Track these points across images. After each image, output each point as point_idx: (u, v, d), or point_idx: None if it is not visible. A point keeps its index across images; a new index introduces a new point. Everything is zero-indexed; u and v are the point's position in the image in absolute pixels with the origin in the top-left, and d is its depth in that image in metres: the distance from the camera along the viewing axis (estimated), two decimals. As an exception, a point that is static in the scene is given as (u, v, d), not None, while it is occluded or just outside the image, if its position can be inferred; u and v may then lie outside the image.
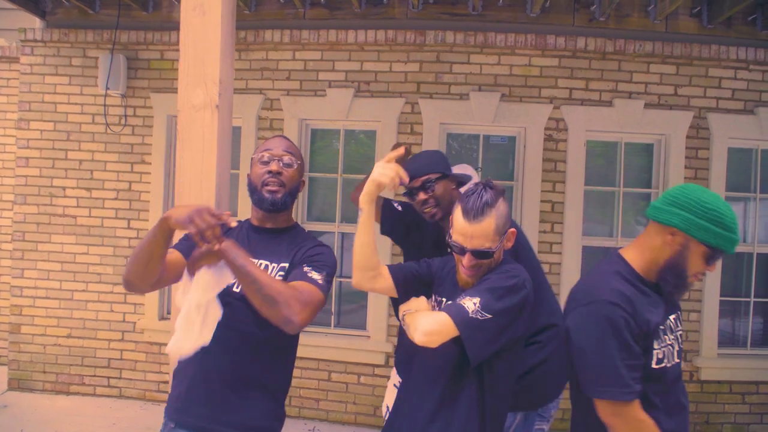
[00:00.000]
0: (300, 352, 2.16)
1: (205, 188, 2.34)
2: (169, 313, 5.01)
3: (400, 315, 2.05)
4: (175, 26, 4.82)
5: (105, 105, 4.84)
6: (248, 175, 2.06)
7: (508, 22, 4.55)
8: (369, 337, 4.70)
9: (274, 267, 1.96)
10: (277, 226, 2.06)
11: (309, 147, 4.84)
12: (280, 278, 1.90)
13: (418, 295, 2.10)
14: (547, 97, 4.57)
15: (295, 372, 2.15)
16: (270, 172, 1.96)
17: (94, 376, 5.00)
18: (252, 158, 2.06)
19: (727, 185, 4.58)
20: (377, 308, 4.64)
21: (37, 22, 5.02)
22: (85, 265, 4.98)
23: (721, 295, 4.58)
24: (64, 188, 4.99)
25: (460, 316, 1.81)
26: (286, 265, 1.95)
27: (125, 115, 4.93)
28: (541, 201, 4.55)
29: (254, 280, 1.68)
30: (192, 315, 1.73)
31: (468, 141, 4.78)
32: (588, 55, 4.54)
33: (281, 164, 1.98)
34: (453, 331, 1.81)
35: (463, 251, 1.91)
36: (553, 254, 4.56)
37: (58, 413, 4.66)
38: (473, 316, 1.81)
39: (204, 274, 1.74)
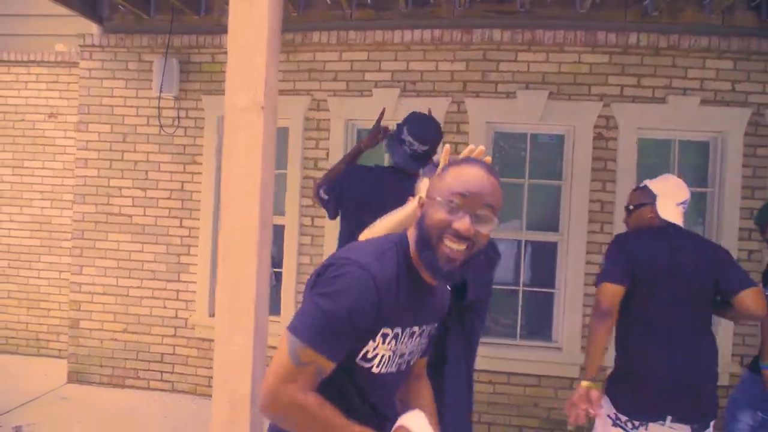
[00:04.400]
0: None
1: (250, 191, 2.38)
2: (219, 310, 5.13)
3: None
4: (226, 29, 4.97)
5: (159, 108, 4.99)
6: (421, 202, 1.51)
7: (557, 19, 4.49)
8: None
9: (431, 328, 1.69)
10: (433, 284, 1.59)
11: (355, 147, 4.88)
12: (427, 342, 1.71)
13: None
14: (597, 94, 4.48)
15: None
16: (456, 232, 1.39)
17: (148, 370, 5.16)
18: (434, 197, 1.44)
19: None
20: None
21: (95, 28, 5.22)
22: (140, 263, 5.15)
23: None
24: (120, 188, 5.17)
25: None
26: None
27: (178, 117, 5.07)
28: (590, 201, 4.46)
29: None
30: None
31: (515, 140, 4.73)
32: (640, 51, 4.43)
33: (475, 219, 1.39)
34: None
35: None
36: (603, 255, 4.46)
37: (113, 405, 4.83)
38: None
39: None
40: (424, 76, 4.67)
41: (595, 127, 4.48)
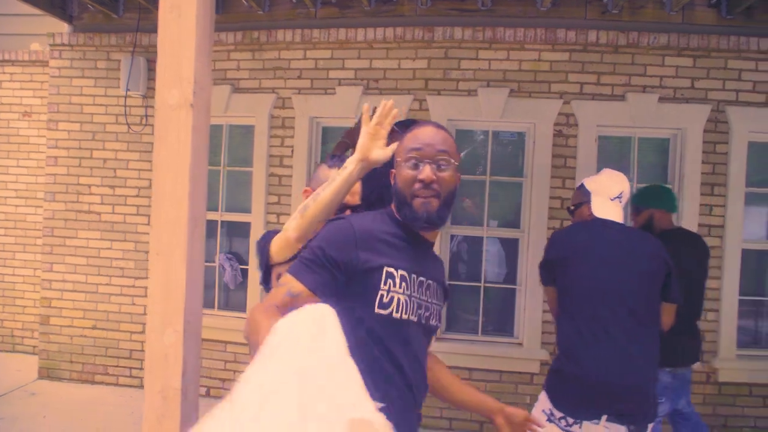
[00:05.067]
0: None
1: (179, 186, 2.41)
2: (187, 306, 5.17)
3: None
4: (193, 28, 5.01)
5: (125, 106, 5.03)
6: (393, 174, 1.69)
7: (518, 17, 4.51)
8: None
9: (439, 289, 1.75)
10: (427, 239, 1.73)
11: (320, 145, 4.91)
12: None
13: None
14: (557, 92, 4.51)
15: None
16: (421, 181, 1.58)
17: (117, 366, 5.20)
18: (396, 160, 1.66)
19: (747, 181, 4.43)
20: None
21: (65, 27, 5.26)
22: (109, 260, 5.19)
23: (741, 294, 4.43)
24: (89, 186, 5.21)
25: None
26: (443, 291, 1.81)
27: (146, 115, 5.11)
28: (551, 197, 4.49)
29: None
30: None
31: (477, 137, 4.76)
32: (600, 48, 4.46)
33: (435, 167, 1.58)
34: None
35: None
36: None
37: (81, 402, 4.87)
38: None
39: None
40: (386, 74, 4.70)
41: (555, 124, 4.50)
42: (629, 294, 2.58)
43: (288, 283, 1.48)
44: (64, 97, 5.24)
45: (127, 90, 4.95)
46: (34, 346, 5.88)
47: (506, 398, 4.53)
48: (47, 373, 5.31)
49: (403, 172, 1.61)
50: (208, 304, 5.18)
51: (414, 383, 1.61)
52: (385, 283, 1.53)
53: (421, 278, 1.63)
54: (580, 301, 2.62)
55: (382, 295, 1.52)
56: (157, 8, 4.87)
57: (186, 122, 2.39)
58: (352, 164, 1.79)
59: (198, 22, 2.43)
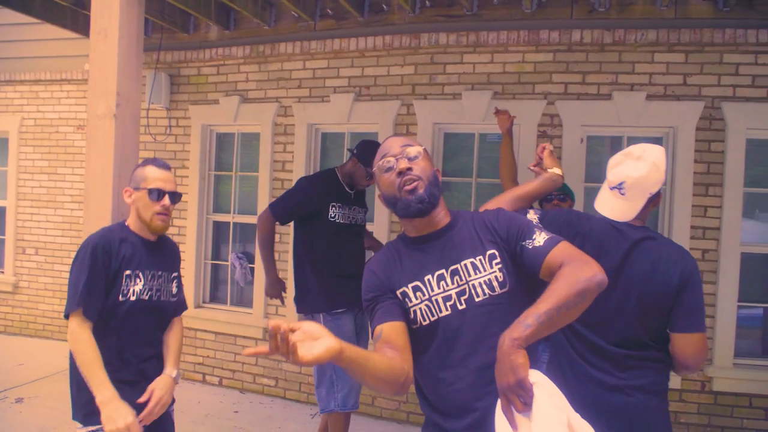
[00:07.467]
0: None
1: (105, 185, 2.74)
2: (205, 301, 5.58)
3: None
4: (211, 44, 5.42)
5: (147, 117, 5.52)
6: (378, 195, 1.83)
7: (503, 20, 4.54)
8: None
9: (480, 259, 1.70)
10: (437, 228, 1.78)
11: (320, 150, 5.16)
12: (498, 269, 1.68)
13: None
14: (542, 92, 4.50)
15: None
16: (400, 173, 1.71)
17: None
18: (374, 173, 1.82)
19: (746, 179, 4.21)
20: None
21: (104, 49, 5.85)
22: (138, 258, 5.69)
23: (739, 301, 4.22)
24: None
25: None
26: (494, 251, 1.70)
27: (169, 126, 5.59)
28: (535, 198, 4.48)
29: (563, 308, 1.47)
30: None
31: (463, 140, 4.82)
32: (585, 47, 4.41)
33: (406, 160, 1.72)
34: None
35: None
36: (548, 253, 4.46)
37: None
38: None
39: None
40: (377, 81, 4.88)
41: (539, 125, 4.49)
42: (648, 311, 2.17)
43: (378, 332, 1.67)
44: (102, 111, 5.82)
45: (151, 103, 5.43)
46: (86, 336, 6.52)
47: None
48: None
49: (383, 179, 1.75)
50: (221, 300, 5.57)
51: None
52: (411, 301, 1.70)
53: (453, 267, 1.69)
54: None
55: (415, 312, 1.70)
56: (180, 29, 5.34)
57: (110, 130, 2.72)
58: None
59: (120, 43, 2.74)
